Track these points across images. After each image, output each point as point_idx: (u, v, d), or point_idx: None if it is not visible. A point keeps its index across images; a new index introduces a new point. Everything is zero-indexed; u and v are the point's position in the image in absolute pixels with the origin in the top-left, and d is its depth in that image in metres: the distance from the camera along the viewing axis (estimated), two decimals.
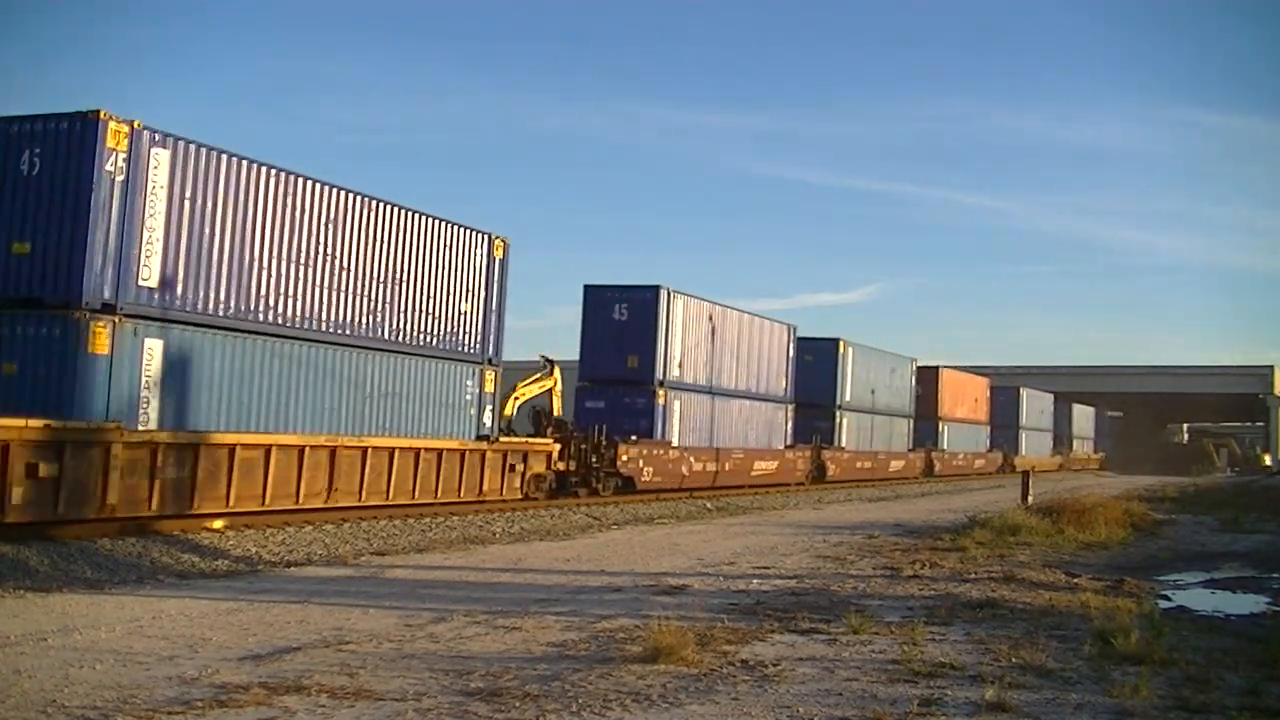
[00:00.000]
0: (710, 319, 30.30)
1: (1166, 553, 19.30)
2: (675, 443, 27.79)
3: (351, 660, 7.79)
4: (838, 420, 38.79)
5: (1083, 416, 78.79)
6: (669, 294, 27.72)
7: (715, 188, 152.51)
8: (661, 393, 27.30)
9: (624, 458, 25.18)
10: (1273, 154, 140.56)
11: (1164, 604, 12.71)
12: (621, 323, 27.31)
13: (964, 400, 54.02)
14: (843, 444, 39.53)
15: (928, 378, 49.05)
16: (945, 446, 50.78)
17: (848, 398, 39.63)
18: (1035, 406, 66.19)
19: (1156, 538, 21.83)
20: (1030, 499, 26.06)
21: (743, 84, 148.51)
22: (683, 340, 28.36)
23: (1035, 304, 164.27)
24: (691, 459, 28.48)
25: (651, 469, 26.27)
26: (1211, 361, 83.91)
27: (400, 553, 14.77)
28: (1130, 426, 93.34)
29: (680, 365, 28.30)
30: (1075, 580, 13.84)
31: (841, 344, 38.76)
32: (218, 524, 15.09)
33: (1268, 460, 75.25)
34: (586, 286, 27.20)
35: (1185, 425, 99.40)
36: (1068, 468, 68.79)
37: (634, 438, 25.95)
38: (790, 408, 35.55)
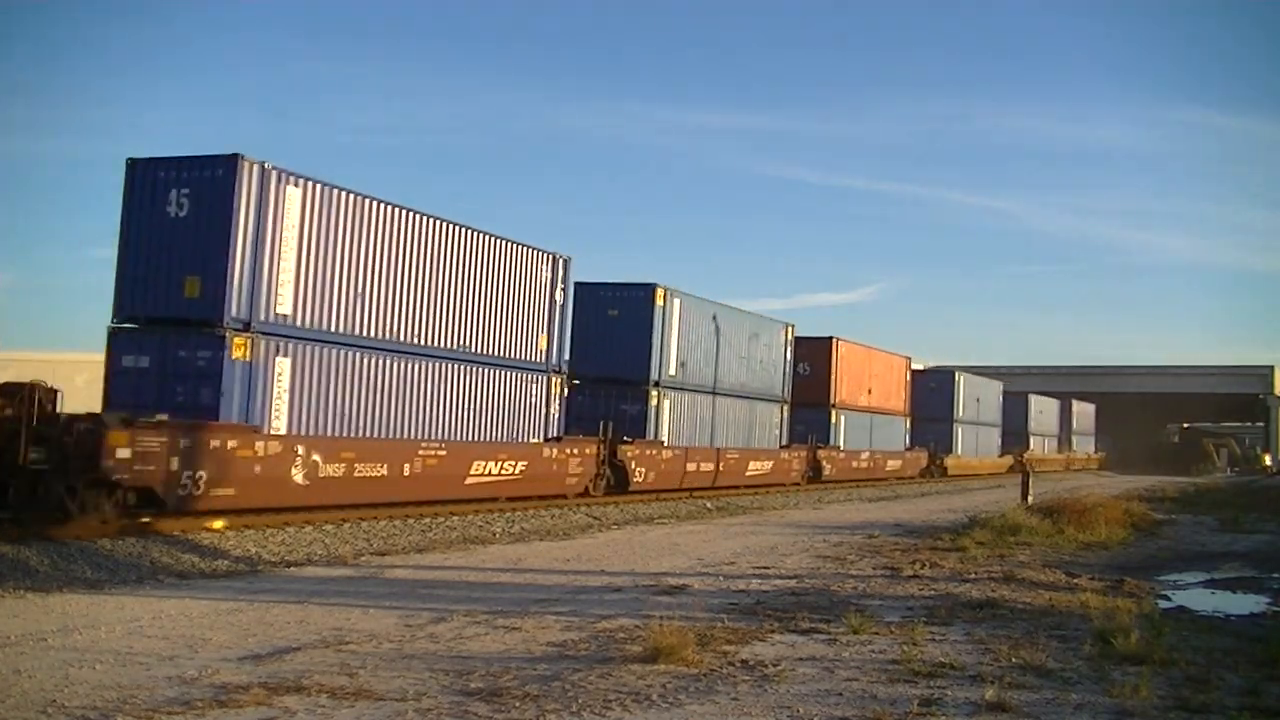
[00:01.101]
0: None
1: (1166, 553, 19.31)
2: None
3: (351, 660, 7.79)
4: (651, 402, 27.07)
5: (1047, 410, 70.79)
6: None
7: (715, 188, 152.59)
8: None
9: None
10: (1273, 154, 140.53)
11: (1164, 604, 12.72)
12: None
13: (870, 384, 41.58)
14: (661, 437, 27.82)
15: (816, 353, 37.46)
16: (840, 442, 38.54)
17: (670, 371, 27.77)
18: (975, 395, 55.89)
19: (1156, 538, 21.84)
20: (1030, 499, 26.08)
21: (743, 84, 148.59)
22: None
23: (1035, 304, 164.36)
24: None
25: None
26: (1211, 361, 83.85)
27: (400, 553, 14.77)
28: (1130, 426, 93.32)
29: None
30: (1075, 580, 13.84)
31: (661, 292, 27.23)
32: (218, 524, 15.09)
33: (1267, 460, 75.27)
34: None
35: (1182, 425, 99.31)
36: (1033, 469, 61.61)
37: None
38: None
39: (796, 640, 9.21)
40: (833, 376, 37.91)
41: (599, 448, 24.40)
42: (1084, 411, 79.41)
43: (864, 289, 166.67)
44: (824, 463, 36.68)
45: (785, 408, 35.27)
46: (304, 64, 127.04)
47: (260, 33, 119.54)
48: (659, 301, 26.94)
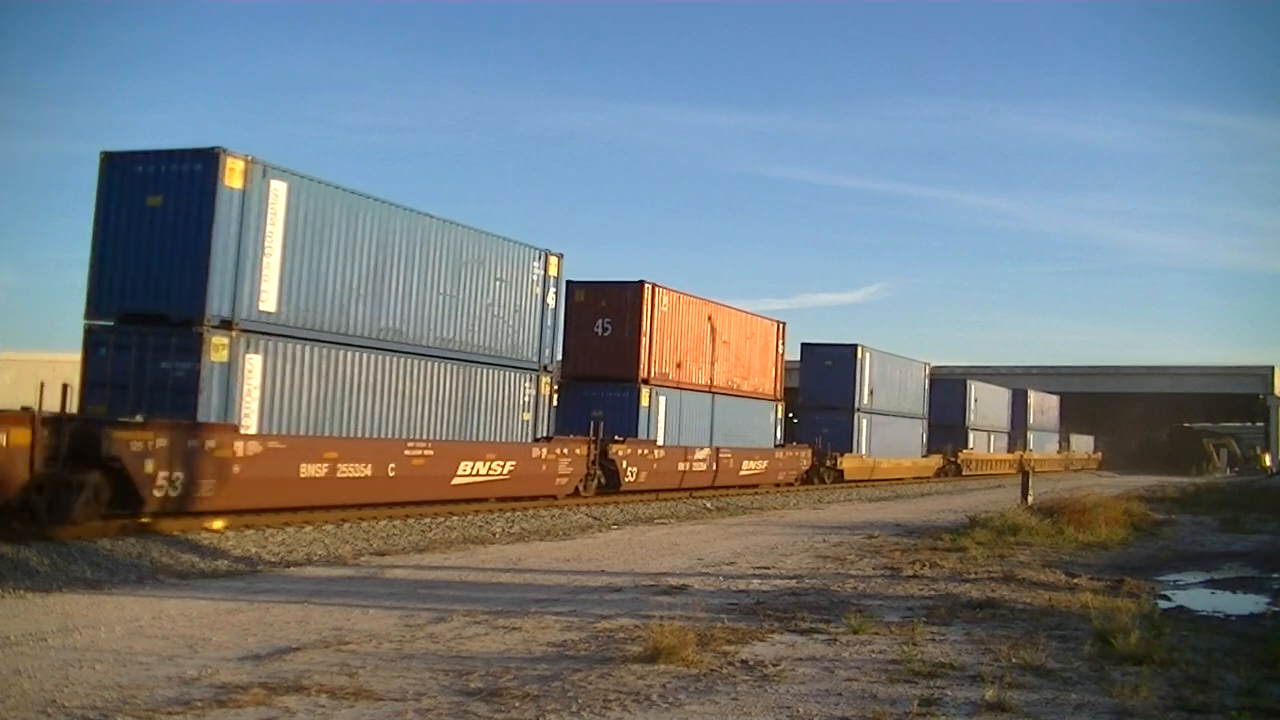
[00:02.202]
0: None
1: (1166, 553, 19.31)
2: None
3: (351, 660, 7.79)
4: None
5: (991, 400, 60.73)
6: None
7: (715, 187, 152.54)
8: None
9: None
10: (1273, 154, 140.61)
11: (1164, 604, 12.72)
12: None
13: (717, 354, 30.59)
14: None
15: (619, 306, 27.10)
16: (657, 434, 27.55)
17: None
18: (888, 377, 43.78)
19: (1156, 538, 21.85)
20: (1030, 498, 26.07)
21: (743, 84, 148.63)
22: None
23: (1035, 304, 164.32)
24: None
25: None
26: (1211, 361, 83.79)
27: (400, 553, 14.77)
28: (1130, 426, 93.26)
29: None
30: (1075, 580, 13.84)
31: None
32: (218, 524, 15.09)
33: (1267, 460, 75.23)
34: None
35: (1181, 425, 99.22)
36: (965, 466, 54.32)
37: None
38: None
39: (796, 640, 9.21)
40: (645, 340, 26.77)
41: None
42: (1044, 404, 71.69)
43: (865, 289, 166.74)
44: (621, 462, 25.08)
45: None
46: (304, 64, 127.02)
47: (260, 32, 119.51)
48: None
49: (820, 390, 40.85)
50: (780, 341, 35.02)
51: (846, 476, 39.05)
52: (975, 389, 57.39)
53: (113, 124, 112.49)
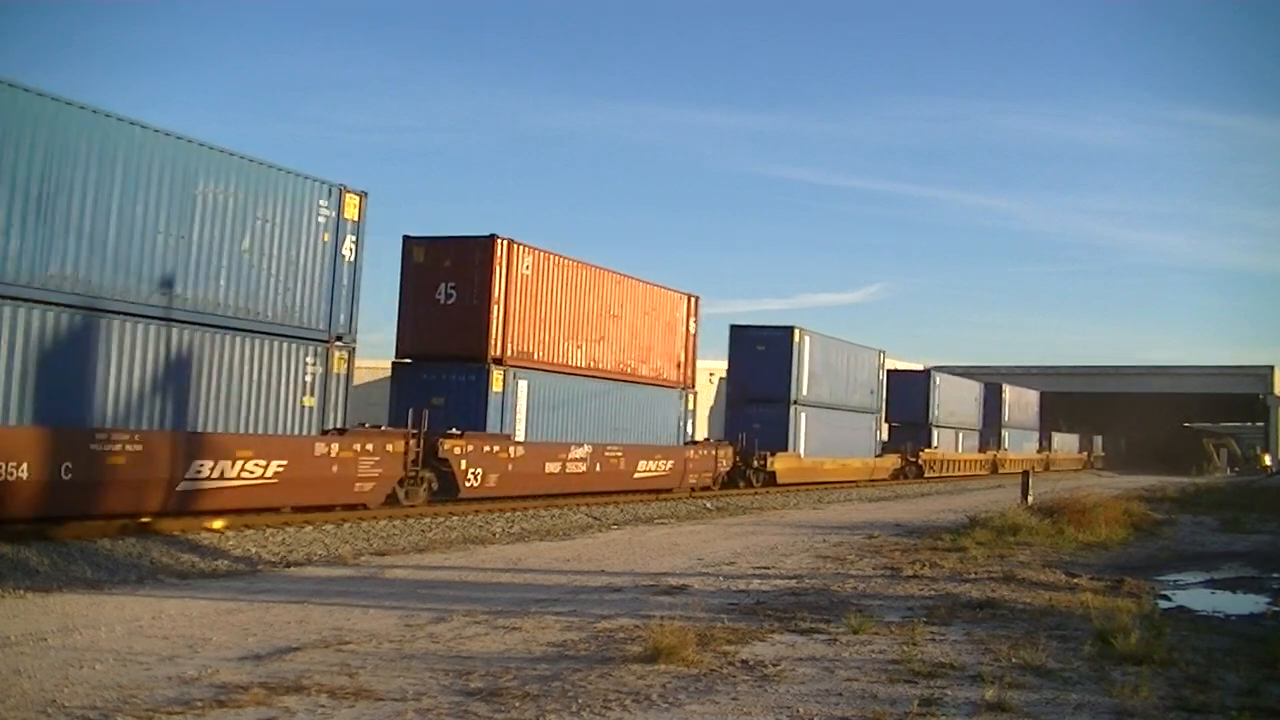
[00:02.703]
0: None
1: (1166, 553, 19.31)
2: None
3: (351, 660, 7.79)
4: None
5: (957, 394, 54.89)
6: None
7: (715, 187, 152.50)
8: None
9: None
10: (1273, 154, 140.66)
11: (1164, 604, 12.72)
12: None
13: (604, 331, 25.32)
14: None
15: (466, 264, 22.00)
16: (519, 429, 22.47)
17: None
18: (832, 365, 38.19)
19: (1156, 538, 21.85)
20: (1030, 499, 26.07)
21: (743, 84, 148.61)
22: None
23: (1036, 304, 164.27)
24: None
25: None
26: (1211, 361, 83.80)
27: (400, 553, 14.77)
28: (1130, 426, 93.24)
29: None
30: (1075, 580, 13.84)
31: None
32: (218, 524, 15.09)
33: (1267, 460, 75.23)
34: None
35: (1182, 425, 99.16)
36: (946, 472, 50.80)
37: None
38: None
39: (796, 640, 9.21)
40: (498, 309, 21.62)
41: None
42: (1022, 400, 66.75)
43: (865, 289, 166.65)
44: (459, 462, 20.02)
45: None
46: (304, 63, 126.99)
47: (260, 32, 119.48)
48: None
49: (752, 379, 34.98)
50: (691, 318, 29.09)
51: (780, 479, 33.67)
52: (940, 382, 52.00)
53: None
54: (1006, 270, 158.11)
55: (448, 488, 19.96)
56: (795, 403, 35.23)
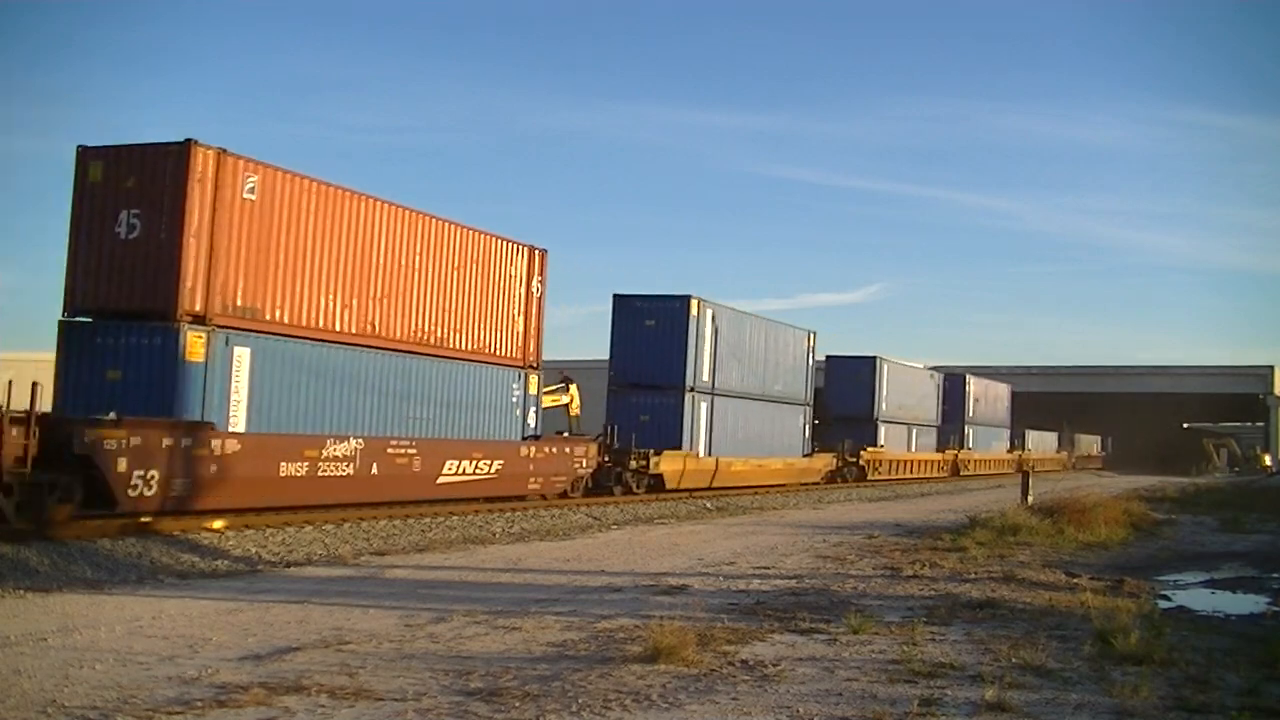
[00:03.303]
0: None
1: (1166, 553, 19.31)
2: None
3: (351, 660, 7.79)
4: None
5: (910, 386, 48.62)
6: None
7: (715, 188, 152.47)
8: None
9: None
10: (1273, 154, 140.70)
11: (1164, 604, 12.72)
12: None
13: (402, 285, 19.25)
14: None
15: (155, 177, 15.44)
16: (235, 420, 15.94)
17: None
18: (751, 346, 32.59)
19: (1156, 538, 21.85)
20: (1030, 499, 26.08)
21: (743, 84, 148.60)
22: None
23: (1035, 304, 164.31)
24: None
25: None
26: (1211, 361, 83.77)
27: (400, 553, 14.77)
28: (1130, 426, 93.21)
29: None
30: (1075, 580, 13.84)
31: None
32: (218, 524, 15.09)
33: (1267, 460, 75.24)
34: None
35: (1175, 425, 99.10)
36: (894, 474, 44.23)
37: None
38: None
39: (796, 640, 9.21)
40: (195, 245, 15.36)
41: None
42: (989, 394, 60.05)
43: (865, 289, 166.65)
44: (115, 461, 13.49)
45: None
46: (305, 63, 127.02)
47: (260, 32, 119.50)
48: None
49: (636, 361, 28.66)
50: (536, 278, 22.44)
51: (669, 483, 27.12)
52: (888, 370, 44.96)
53: (113, 124, 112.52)
54: (1006, 270, 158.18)
55: (101, 500, 13.79)
56: (693, 390, 28.59)
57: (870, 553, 16.49)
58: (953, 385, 54.29)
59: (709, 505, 26.15)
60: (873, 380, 44.01)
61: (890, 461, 44.33)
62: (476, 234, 21.02)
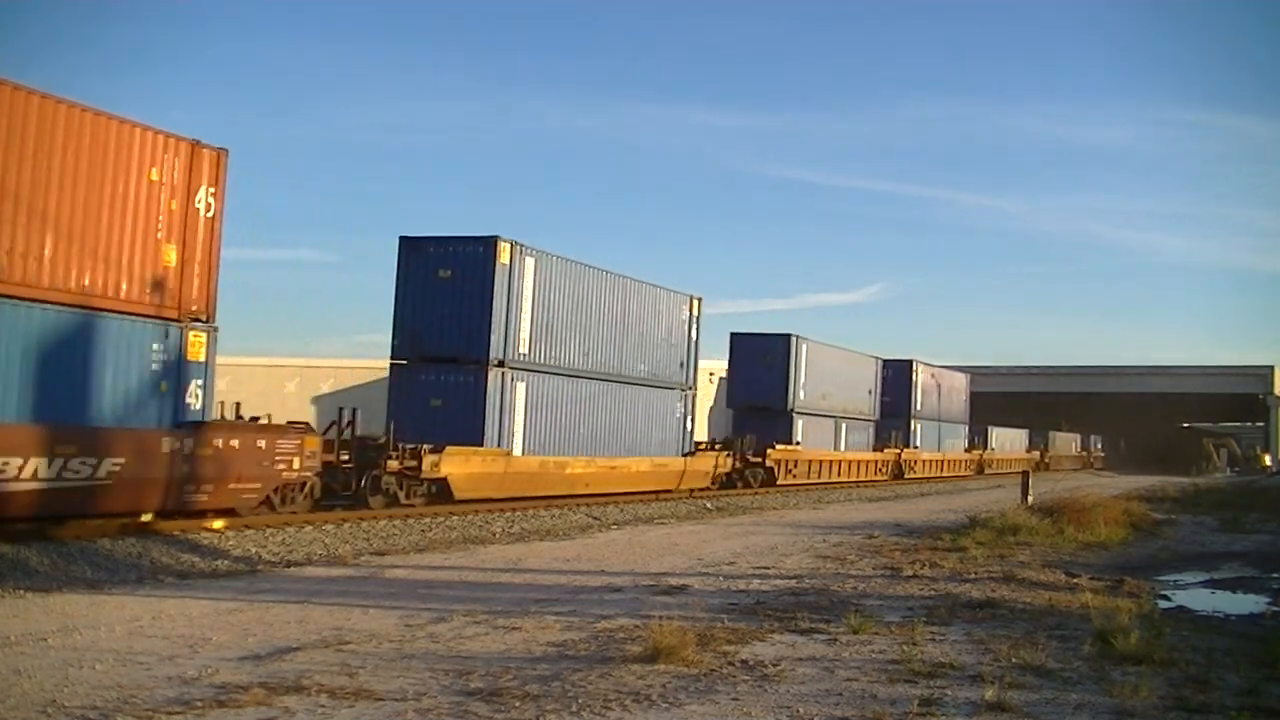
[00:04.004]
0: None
1: (1166, 553, 19.31)
2: None
3: (351, 660, 7.79)
4: None
5: (839, 372, 40.39)
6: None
7: (716, 188, 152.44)
8: None
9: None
10: (1273, 154, 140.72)
11: (1164, 604, 12.72)
12: None
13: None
14: None
15: None
16: None
17: None
18: (587, 307, 25.00)
19: (1156, 538, 21.85)
20: (1031, 499, 26.08)
21: (743, 84, 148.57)
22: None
23: (1035, 304, 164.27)
24: None
25: None
26: (1211, 361, 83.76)
27: (400, 553, 14.77)
28: (1130, 426, 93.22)
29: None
30: (1075, 580, 13.84)
31: None
32: (218, 524, 15.10)
33: (1267, 460, 75.26)
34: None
35: (1175, 425, 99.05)
36: (815, 477, 36.61)
37: None
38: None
39: (796, 640, 9.21)
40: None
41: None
42: (944, 384, 52.24)
43: (865, 289, 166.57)
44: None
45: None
46: (305, 62, 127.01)
47: (260, 31, 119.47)
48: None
49: (428, 328, 21.86)
50: (206, 188, 15.34)
51: (458, 491, 20.26)
52: (807, 352, 36.76)
53: None
54: (1006, 270, 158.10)
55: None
56: (502, 364, 21.60)
57: (870, 553, 16.49)
58: (896, 373, 46.39)
59: (709, 505, 26.16)
60: (787, 363, 35.76)
61: (809, 462, 36.55)
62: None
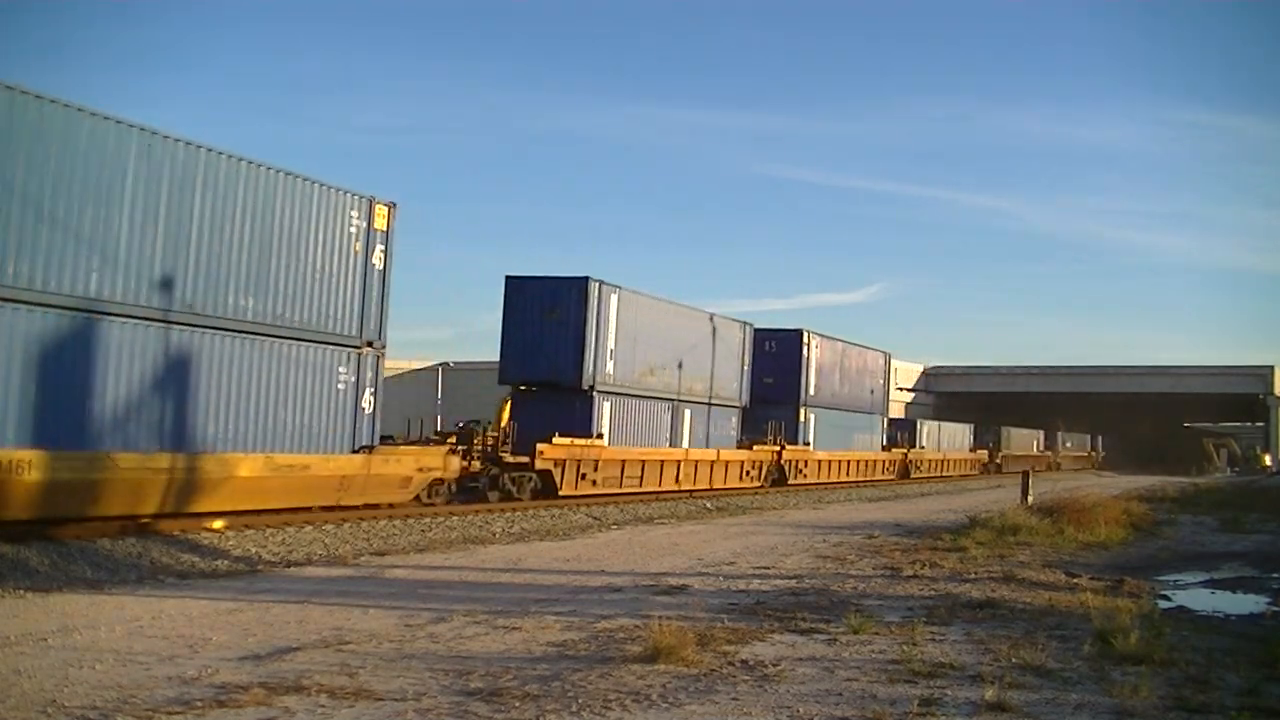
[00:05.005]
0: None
1: (1166, 553, 19.31)
2: None
3: (351, 660, 7.79)
4: None
5: (688, 334, 29.24)
6: None
7: (716, 187, 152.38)
8: None
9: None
10: (1273, 154, 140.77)
11: (1164, 604, 12.72)
12: None
13: None
14: None
15: None
16: None
17: None
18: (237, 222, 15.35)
19: (1156, 538, 21.85)
20: (1031, 499, 26.09)
21: (743, 83, 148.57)
22: None
23: (1036, 304, 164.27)
24: None
25: None
26: (1211, 361, 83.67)
27: (400, 553, 14.77)
28: (1130, 426, 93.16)
29: None
30: (1075, 580, 13.84)
31: None
32: (218, 524, 15.09)
33: (1267, 460, 75.23)
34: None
35: (1175, 425, 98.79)
36: (620, 483, 25.48)
37: None
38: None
39: (796, 640, 9.21)
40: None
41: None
42: (849, 363, 40.12)
43: (866, 289, 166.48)
44: None
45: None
46: (306, 63, 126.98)
47: (261, 31, 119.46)
48: None
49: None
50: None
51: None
52: (617, 305, 25.66)
53: None
54: (1006, 270, 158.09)
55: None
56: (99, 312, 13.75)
57: (870, 553, 16.49)
58: (782, 347, 34.80)
59: (709, 505, 26.15)
60: (583, 318, 24.53)
61: (625, 462, 25.86)
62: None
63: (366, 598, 10.71)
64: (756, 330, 34.03)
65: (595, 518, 21.52)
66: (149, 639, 8.34)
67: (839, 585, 12.72)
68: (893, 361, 41.52)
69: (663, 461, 27.74)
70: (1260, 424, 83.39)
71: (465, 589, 11.75)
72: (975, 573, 14.24)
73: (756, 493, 31.53)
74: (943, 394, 79.20)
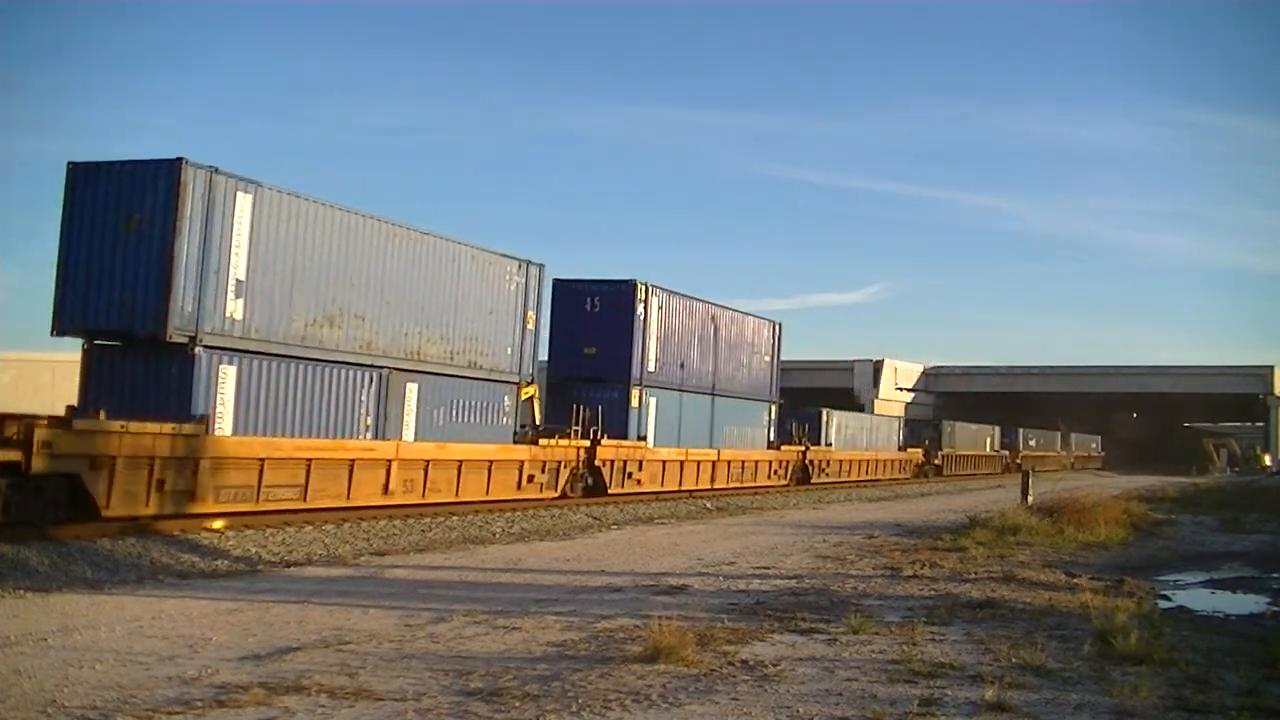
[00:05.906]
0: None
1: (1166, 553, 19.31)
2: None
3: (351, 660, 7.79)
4: None
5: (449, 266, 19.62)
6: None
7: (716, 187, 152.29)
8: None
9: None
10: (1273, 154, 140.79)
11: (1164, 604, 12.72)
12: None
13: None
14: None
15: None
16: None
17: None
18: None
19: (1156, 538, 21.85)
20: (1031, 499, 26.09)
21: (744, 84, 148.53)
22: None
23: (1035, 304, 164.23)
24: None
25: None
26: (1211, 361, 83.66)
27: (400, 553, 14.76)
28: (1130, 426, 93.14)
29: None
30: (1075, 580, 13.84)
31: None
32: (218, 524, 15.09)
33: (1267, 460, 75.21)
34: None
35: (1175, 425, 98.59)
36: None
37: None
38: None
39: (796, 640, 9.20)
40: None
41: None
42: (718, 332, 30.68)
43: (865, 289, 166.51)
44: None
45: None
46: (306, 63, 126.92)
47: (261, 32, 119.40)
48: None
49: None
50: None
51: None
52: (250, 209, 15.86)
53: (114, 124, 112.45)
54: (1006, 270, 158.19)
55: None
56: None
57: (870, 553, 16.49)
58: (607, 305, 26.35)
59: (709, 505, 26.15)
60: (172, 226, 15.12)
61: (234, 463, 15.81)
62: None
63: (366, 598, 10.71)
64: (568, 281, 26.13)
65: (595, 518, 21.51)
66: (149, 639, 8.34)
67: (839, 585, 12.72)
68: (893, 362, 40.75)
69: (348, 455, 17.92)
70: (1260, 424, 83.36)
71: (465, 589, 11.75)
72: (975, 573, 14.24)
73: (714, 494, 29.23)
74: (943, 394, 79.17)
